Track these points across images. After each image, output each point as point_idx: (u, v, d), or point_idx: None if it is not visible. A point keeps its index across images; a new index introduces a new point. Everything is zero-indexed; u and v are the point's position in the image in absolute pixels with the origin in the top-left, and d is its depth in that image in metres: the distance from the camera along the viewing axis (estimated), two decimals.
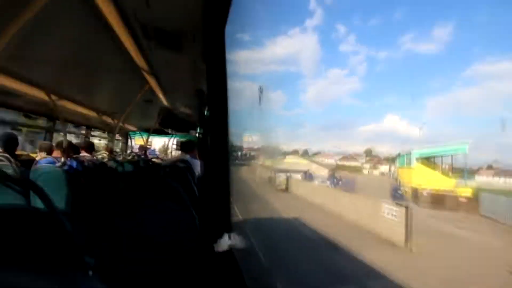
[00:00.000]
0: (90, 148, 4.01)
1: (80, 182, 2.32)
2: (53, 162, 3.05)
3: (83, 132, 6.71)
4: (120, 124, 5.46)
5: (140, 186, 1.62)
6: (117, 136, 7.92)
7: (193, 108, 4.81)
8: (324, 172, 41.17)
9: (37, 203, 1.15)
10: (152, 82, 3.10)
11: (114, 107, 5.03)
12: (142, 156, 6.67)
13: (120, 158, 5.54)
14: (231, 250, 1.22)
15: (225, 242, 1.20)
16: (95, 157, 3.98)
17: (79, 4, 1.60)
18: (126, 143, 8.24)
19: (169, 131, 8.56)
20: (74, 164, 3.14)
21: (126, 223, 1.31)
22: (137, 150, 7.83)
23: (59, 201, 1.81)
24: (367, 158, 69.98)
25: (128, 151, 8.01)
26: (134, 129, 8.22)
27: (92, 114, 5.18)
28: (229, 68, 1.40)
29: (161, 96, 3.78)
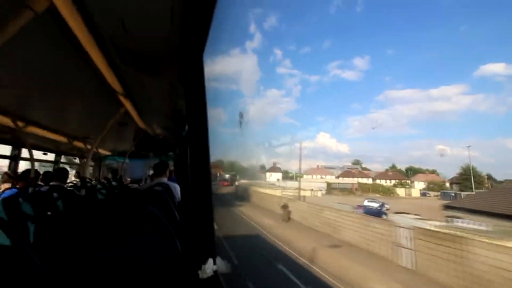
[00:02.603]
0: (62, 176, 3.74)
1: (46, 214, 2.15)
2: (18, 194, 2.83)
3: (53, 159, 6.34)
4: (94, 149, 5.24)
5: (115, 215, 1.54)
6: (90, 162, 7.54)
7: (170, 130, 4.75)
8: None
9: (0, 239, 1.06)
10: (128, 105, 3.04)
11: (87, 132, 4.83)
12: (117, 182, 6.37)
13: (92, 185, 5.26)
14: (216, 275, 1.17)
15: (210, 267, 1.16)
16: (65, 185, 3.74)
17: (51, 27, 1.57)
18: (100, 168, 7.86)
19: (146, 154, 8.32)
20: (41, 194, 2.92)
21: (102, 256, 1.23)
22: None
23: (25, 236, 1.67)
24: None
25: (103, 177, 7.64)
26: (108, 153, 7.89)
27: (62, 139, 4.93)
28: (208, 91, 1.43)
29: (136, 119, 3.70)
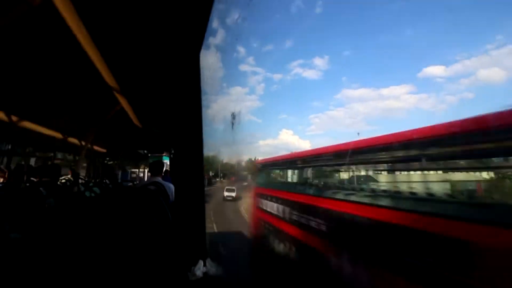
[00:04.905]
0: (53, 172, 3.65)
1: (37, 209, 2.10)
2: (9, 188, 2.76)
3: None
4: (88, 145, 5.17)
5: (104, 214, 1.50)
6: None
7: (167, 129, 4.71)
8: None
9: None
10: (124, 102, 3.00)
11: (82, 128, 4.77)
12: (112, 180, 6.29)
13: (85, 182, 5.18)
14: (206, 277, 1.14)
15: (200, 269, 1.13)
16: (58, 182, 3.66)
17: (45, 21, 1.55)
18: (95, 166, 7.76)
19: (142, 152, 8.26)
20: (32, 189, 2.85)
21: (86, 255, 1.20)
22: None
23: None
24: None
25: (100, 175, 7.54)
26: (104, 151, 7.81)
27: (56, 135, 4.86)
28: (203, 90, 1.41)
29: (133, 117, 3.67)
